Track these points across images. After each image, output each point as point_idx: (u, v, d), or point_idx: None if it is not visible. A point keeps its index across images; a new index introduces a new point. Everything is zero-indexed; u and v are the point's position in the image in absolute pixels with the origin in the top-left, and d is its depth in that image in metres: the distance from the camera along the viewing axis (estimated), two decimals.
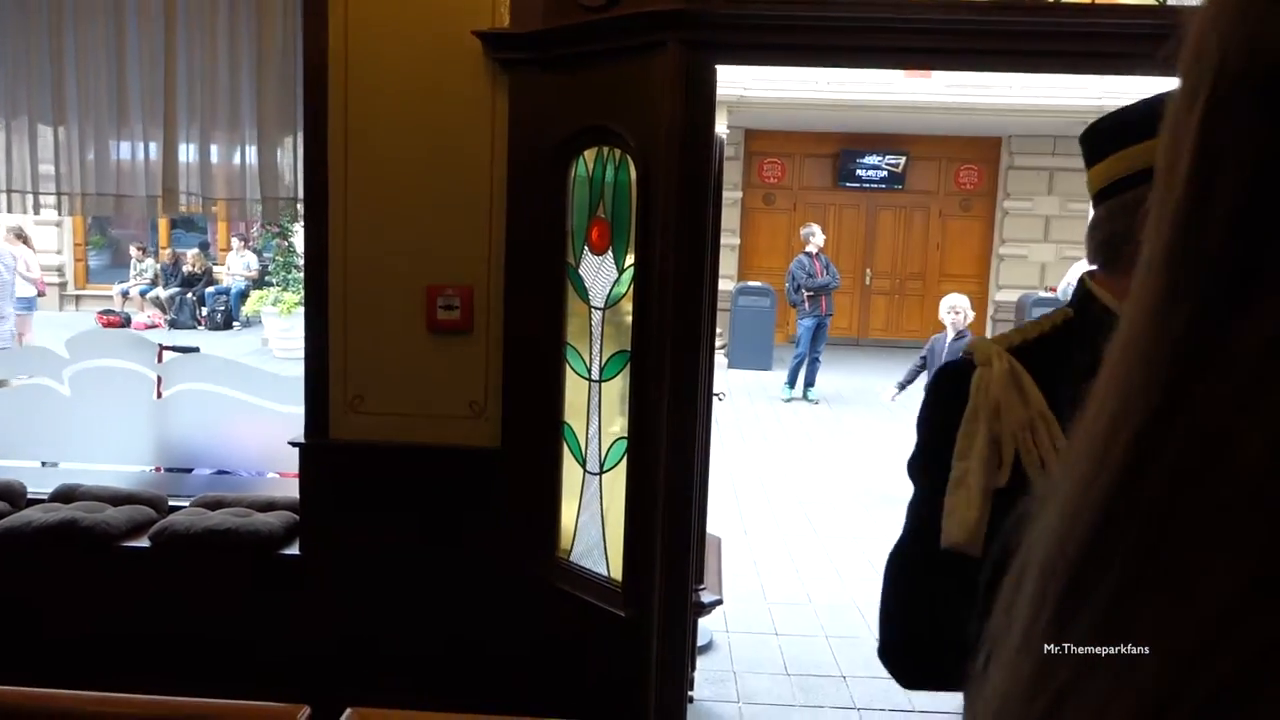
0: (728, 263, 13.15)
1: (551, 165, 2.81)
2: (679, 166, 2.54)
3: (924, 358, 6.52)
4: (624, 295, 2.70)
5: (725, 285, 12.24)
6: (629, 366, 2.69)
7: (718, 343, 11.51)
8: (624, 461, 2.70)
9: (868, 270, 13.64)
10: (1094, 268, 1.22)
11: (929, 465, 1.19)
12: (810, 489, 6.68)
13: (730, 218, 13.14)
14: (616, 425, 2.77)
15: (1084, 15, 2.56)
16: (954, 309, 6.61)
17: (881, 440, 7.86)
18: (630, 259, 2.66)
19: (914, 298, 13.67)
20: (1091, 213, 1.24)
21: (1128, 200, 1.13)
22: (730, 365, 11.07)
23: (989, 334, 13.21)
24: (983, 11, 2.55)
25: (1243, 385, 0.27)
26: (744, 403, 9.54)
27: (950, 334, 6.48)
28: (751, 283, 11.82)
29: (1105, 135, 1.19)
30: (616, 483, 2.73)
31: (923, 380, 6.12)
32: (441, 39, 2.86)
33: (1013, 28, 2.52)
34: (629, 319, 2.68)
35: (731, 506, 6.07)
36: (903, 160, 13.21)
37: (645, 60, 2.60)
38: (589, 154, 2.79)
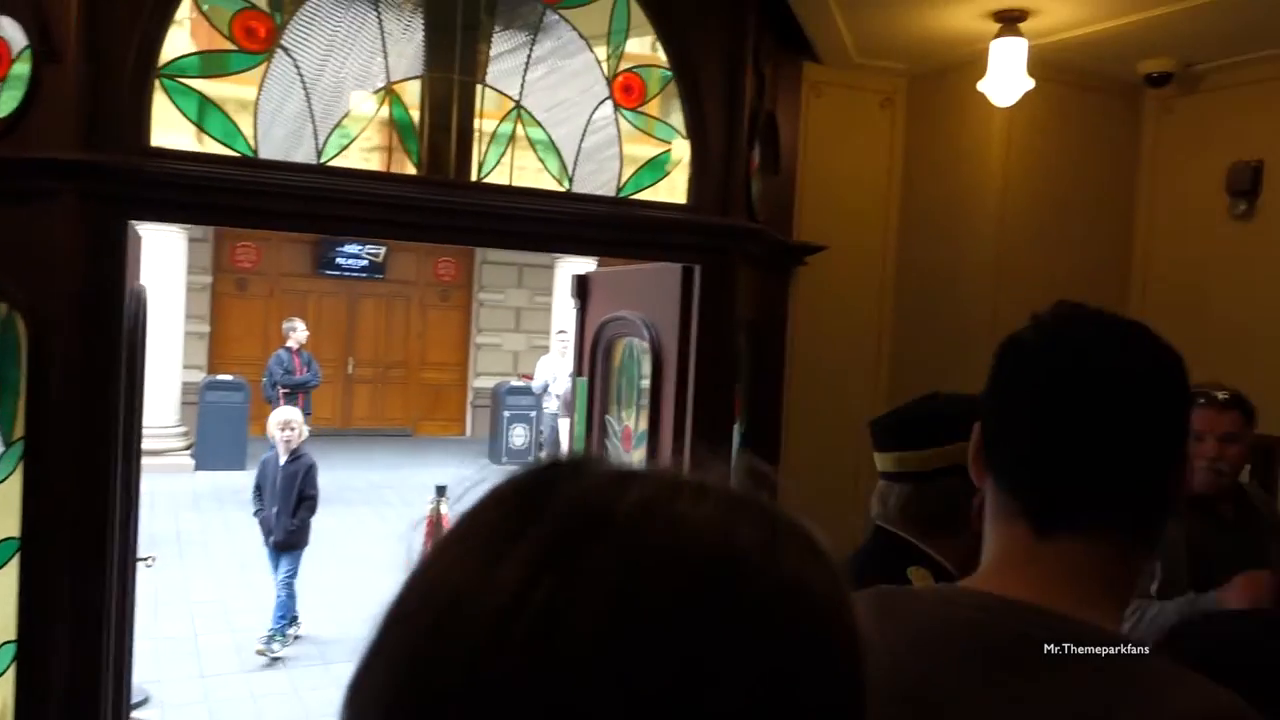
0: (196, 353, 12.21)
1: None
2: (79, 332, 2.33)
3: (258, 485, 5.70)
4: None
5: (192, 377, 11.34)
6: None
7: (181, 443, 10.60)
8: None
9: (350, 359, 13.54)
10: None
11: None
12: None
13: (199, 304, 12.25)
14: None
15: (497, 196, 2.86)
16: (288, 424, 5.64)
17: (368, 542, 7.77)
18: (19, 431, 2.36)
19: (397, 385, 13.85)
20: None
21: (944, 486, 1.52)
22: (198, 467, 10.23)
23: (469, 414, 13.81)
24: (400, 185, 2.73)
25: None
26: (212, 509, 8.86)
27: (283, 456, 5.57)
28: (221, 376, 11.08)
29: (937, 428, 1.57)
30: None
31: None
32: None
33: (425, 204, 2.73)
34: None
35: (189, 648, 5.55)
36: (383, 251, 13.42)
37: (41, 209, 2.36)
38: None
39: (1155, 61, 3.56)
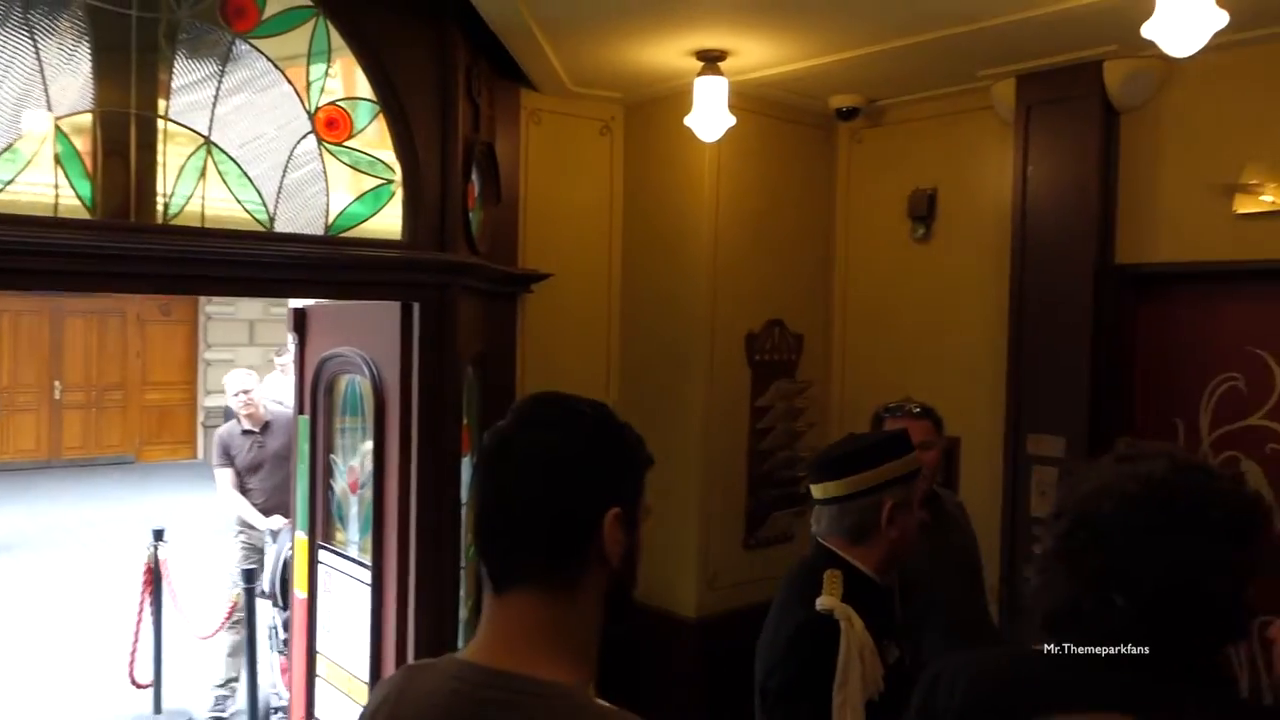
0: None
1: None
2: None
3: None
4: None
5: None
6: None
7: None
8: None
9: (56, 383, 12.21)
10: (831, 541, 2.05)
11: (810, 695, 1.86)
12: None
13: None
14: None
15: (186, 239, 2.65)
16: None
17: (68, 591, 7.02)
18: None
19: (114, 409, 12.64)
20: None
21: (866, 504, 2.00)
22: None
23: (200, 435, 12.85)
24: (71, 232, 2.47)
25: None
26: None
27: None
28: None
29: (849, 463, 2.05)
30: None
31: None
32: None
33: (99, 250, 2.49)
34: None
35: None
36: None
37: None
38: None
39: (844, 97, 3.86)
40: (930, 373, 3.90)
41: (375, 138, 3.04)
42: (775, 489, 4.03)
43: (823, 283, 4.24)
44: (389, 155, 3.06)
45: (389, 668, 3.29)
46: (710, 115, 3.33)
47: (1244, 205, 3.06)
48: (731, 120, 3.35)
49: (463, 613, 3.48)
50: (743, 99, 3.75)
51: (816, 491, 2.12)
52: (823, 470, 2.12)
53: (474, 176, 3.37)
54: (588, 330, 4.05)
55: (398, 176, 3.06)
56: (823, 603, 1.94)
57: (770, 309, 4.03)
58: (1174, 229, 3.24)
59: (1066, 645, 1.30)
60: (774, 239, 4.02)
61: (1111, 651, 1.24)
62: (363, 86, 2.99)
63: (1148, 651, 1.22)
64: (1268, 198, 3.00)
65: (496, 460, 1.16)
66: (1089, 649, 1.26)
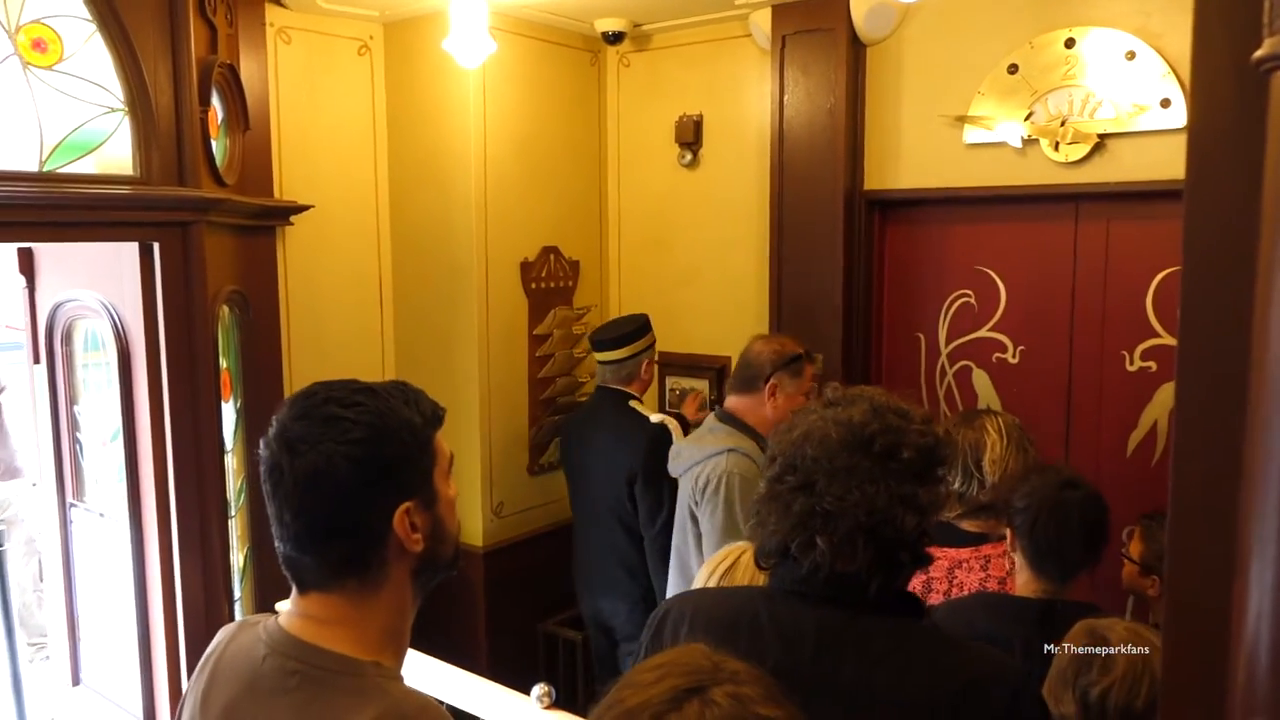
0: None
1: None
2: None
3: None
4: None
5: None
6: None
7: None
8: None
9: None
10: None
11: (664, 476, 3.10)
12: None
13: None
14: None
15: None
16: None
17: None
18: None
19: None
20: None
21: (634, 362, 3.56)
22: None
23: None
24: None
25: None
26: None
27: None
28: None
29: (623, 340, 3.56)
30: None
31: None
32: None
33: None
34: None
35: None
36: None
37: None
38: None
39: (609, 20, 3.83)
40: (703, 296, 4.03)
41: (94, 61, 2.75)
42: (558, 414, 4.09)
43: (597, 209, 4.26)
44: (113, 81, 2.79)
45: (156, 625, 3.15)
46: (469, 38, 3.22)
47: (972, 135, 3.30)
48: (493, 47, 3.25)
49: (237, 559, 3.36)
50: (507, 20, 3.65)
51: (601, 357, 3.60)
52: (604, 344, 3.59)
53: (215, 102, 3.13)
54: (357, 262, 3.91)
55: (124, 105, 2.80)
56: (656, 418, 3.44)
57: (545, 236, 4.02)
58: (913, 157, 3.45)
59: (782, 583, 1.40)
60: (545, 165, 3.98)
61: (818, 587, 1.34)
62: (74, 2, 2.69)
63: (842, 586, 1.33)
64: (990, 129, 3.24)
65: (271, 486, 1.15)
66: (800, 586, 1.36)
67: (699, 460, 2.85)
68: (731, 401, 2.95)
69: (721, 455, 2.79)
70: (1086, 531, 2.03)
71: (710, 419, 2.98)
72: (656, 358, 3.74)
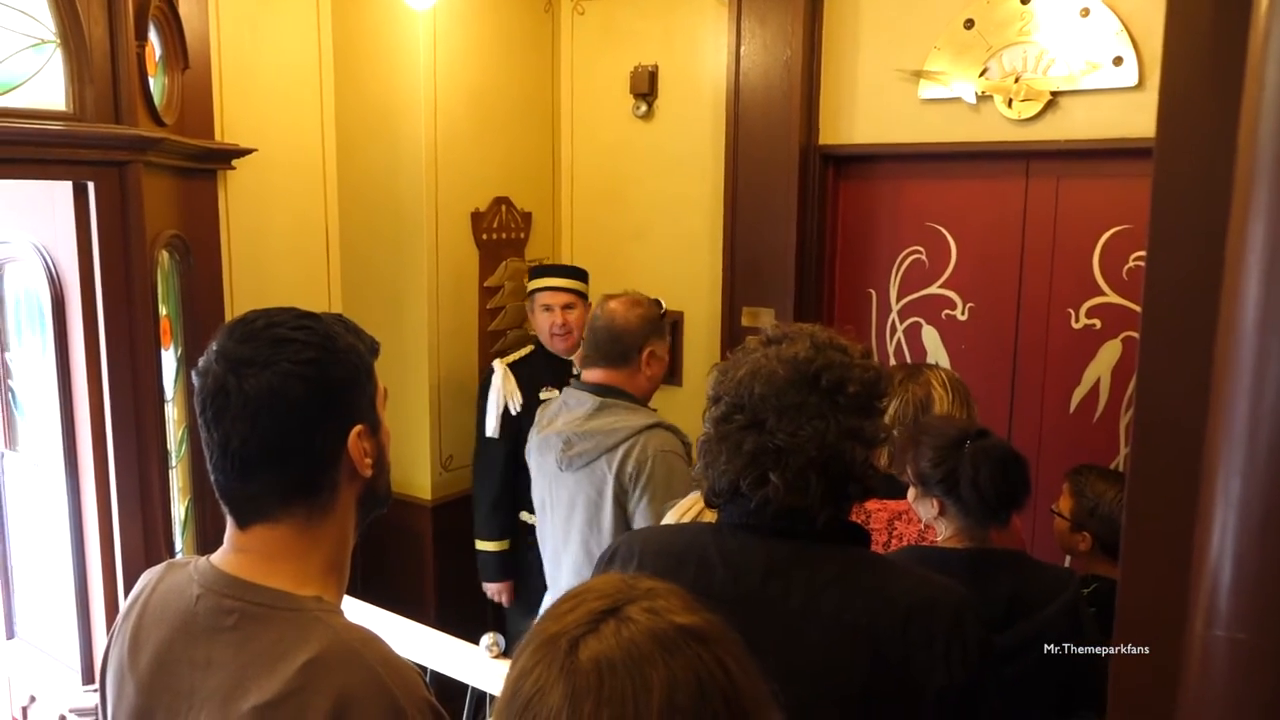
0: None
1: None
2: None
3: None
4: None
5: None
6: None
7: None
8: None
9: None
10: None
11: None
12: None
13: None
14: None
15: None
16: None
17: None
18: None
19: None
20: None
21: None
22: None
23: None
24: None
25: None
26: None
27: None
28: None
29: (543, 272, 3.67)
30: None
31: None
32: None
33: None
34: None
35: None
36: None
37: None
38: None
39: None
40: (657, 249, 4.01)
41: None
42: None
43: (550, 159, 4.19)
44: (44, 12, 2.66)
45: (94, 577, 3.08)
46: None
47: (927, 91, 3.30)
48: None
49: (178, 511, 3.29)
50: None
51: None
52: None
53: (153, 37, 3.01)
54: (302, 209, 3.81)
55: (55, 37, 2.67)
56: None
57: (496, 186, 3.95)
58: (868, 113, 3.44)
59: (731, 518, 1.40)
60: (497, 114, 3.91)
61: (768, 520, 1.36)
62: None
63: (792, 518, 1.34)
64: (946, 85, 3.24)
65: (213, 412, 1.10)
66: (750, 519, 1.37)
67: (616, 444, 2.53)
68: (599, 375, 2.64)
69: (643, 434, 2.53)
70: (1005, 473, 1.97)
71: (586, 396, 2.63)
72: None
